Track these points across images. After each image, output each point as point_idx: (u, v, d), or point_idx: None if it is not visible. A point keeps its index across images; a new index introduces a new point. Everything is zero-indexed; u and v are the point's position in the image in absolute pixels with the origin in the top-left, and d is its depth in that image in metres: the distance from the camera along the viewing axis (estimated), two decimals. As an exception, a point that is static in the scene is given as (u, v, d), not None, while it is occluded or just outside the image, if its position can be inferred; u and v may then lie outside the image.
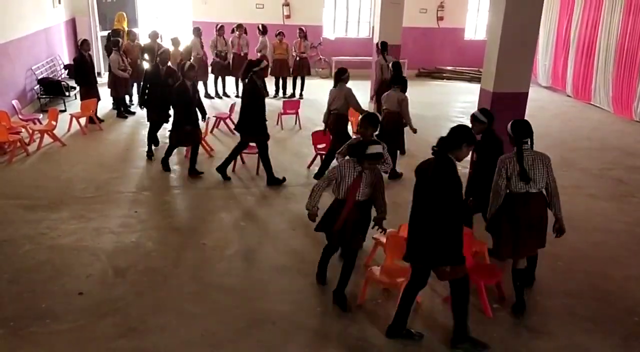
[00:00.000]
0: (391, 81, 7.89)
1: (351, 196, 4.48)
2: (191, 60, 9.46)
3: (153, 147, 8.51)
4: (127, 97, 11.02)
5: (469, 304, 4.14)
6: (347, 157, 4.71)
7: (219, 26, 12.18)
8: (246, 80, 7.15)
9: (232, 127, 9.77)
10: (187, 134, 7.46)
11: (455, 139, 3.91)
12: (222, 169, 7.52)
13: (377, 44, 11.10)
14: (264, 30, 12.47)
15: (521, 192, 4.43)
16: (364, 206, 4.60)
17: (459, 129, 3.99)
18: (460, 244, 3.98)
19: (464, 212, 4.77)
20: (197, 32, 12.03)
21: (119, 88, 10.45)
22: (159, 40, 11.36)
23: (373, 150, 4.34)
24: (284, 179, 7.48)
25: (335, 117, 7.46)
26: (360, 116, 5.29)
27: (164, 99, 7.93)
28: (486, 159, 5.13)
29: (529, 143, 4.47)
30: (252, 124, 7.20)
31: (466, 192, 5.43)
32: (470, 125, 5.26)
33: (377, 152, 4.37)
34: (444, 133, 3.97)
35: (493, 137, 5.30)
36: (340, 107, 7.40)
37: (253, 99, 7.12)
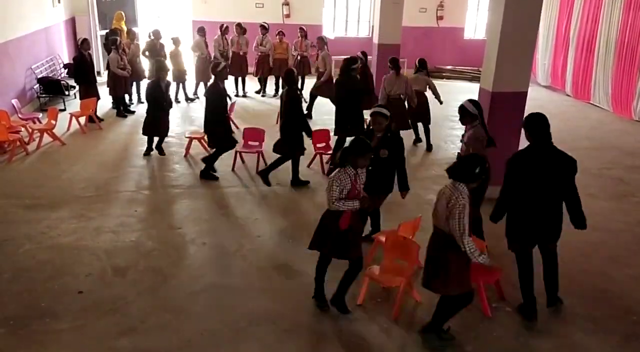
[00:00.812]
0: (419, 66, 9.31)
1: None
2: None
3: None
4: (126, 97, 11.01)
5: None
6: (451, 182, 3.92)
7: (224, 26, 12.17)
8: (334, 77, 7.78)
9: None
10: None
11: (548, 128, 4.37)
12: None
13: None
14: (267, 28, 12.48)
15: None
16: None
17: (542, 118, 4.40)
18: None
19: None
20: (202, 31, 12.01)
21: (117, 87, 10.44)
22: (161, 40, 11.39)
23: None
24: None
25: (398, 102, 8.48)
26: (347, 146, 4.37)
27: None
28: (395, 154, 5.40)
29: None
30: (351, 121, 7.65)
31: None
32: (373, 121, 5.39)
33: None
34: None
35: (396, 133, 5.59)
36: (402, 92, 8.56)
37: (353, 95, 7.73)
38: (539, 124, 4.35)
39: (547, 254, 4.62)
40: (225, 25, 12.20)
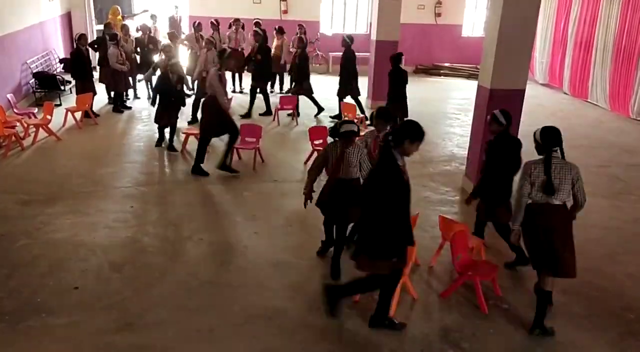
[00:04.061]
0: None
1: None
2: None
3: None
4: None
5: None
6: None
7: (213, 22, 12.14)
8: None
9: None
10: None
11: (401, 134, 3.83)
12: None
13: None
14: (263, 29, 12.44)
15: (541, 203, 4.23)
16: None
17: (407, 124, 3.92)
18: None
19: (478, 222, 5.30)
20: (194, 26, 11.93)
21: (119, 83, 10.41)
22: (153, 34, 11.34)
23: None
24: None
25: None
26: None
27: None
28: (499, 162, 5.19)
29: (559, 152, 4.24)
30: None
31: (475, 195, 5.50)
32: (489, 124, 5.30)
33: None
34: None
35: (509, 139, 5.24)
36: None
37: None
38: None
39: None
40: (215, 20, 12.15)
